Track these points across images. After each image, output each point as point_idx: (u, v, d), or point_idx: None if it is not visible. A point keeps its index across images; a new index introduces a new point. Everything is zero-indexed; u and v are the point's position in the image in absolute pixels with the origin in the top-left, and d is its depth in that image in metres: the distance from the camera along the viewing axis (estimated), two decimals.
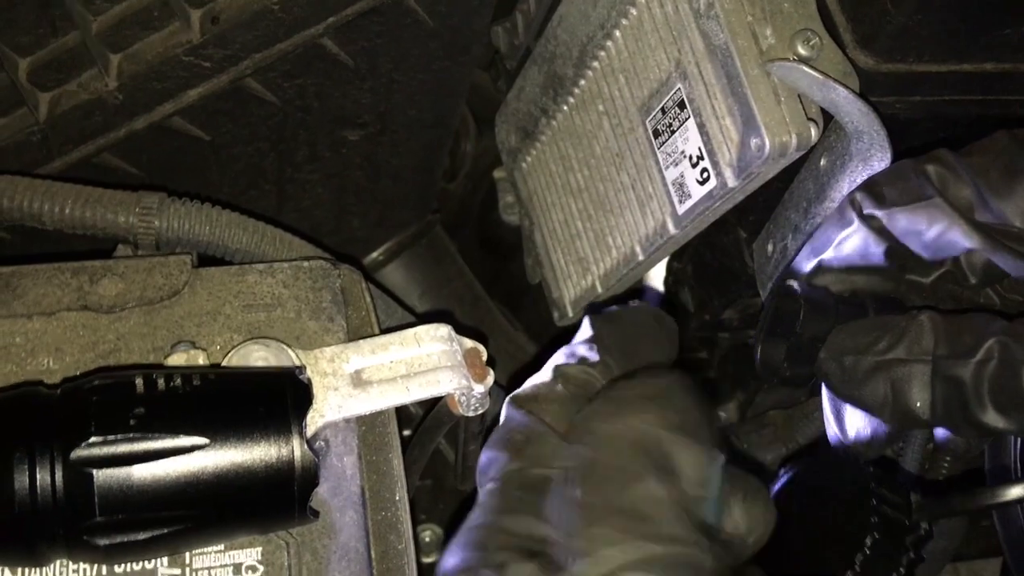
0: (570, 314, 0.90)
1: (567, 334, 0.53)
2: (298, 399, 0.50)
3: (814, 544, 0.53)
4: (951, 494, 0.51)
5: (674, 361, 0.54)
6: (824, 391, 0.58)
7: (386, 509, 0.56)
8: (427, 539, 0.90)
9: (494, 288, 1.17)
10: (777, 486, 0.58)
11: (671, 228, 0.72)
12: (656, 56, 0.70)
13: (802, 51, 0.61)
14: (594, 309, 0.60)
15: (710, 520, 0.45)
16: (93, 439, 0.46)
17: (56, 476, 0.45)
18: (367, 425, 0.57)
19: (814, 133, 0.62)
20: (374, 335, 0.59)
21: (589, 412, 0.47)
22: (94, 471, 0.46)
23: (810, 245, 0.59)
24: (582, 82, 0.80)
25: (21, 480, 0.45)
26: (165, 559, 0.51)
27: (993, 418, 0.47)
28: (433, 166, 1.06)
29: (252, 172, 0.92)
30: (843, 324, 0.54)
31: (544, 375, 0.51)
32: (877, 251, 0.56)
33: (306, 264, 0.61)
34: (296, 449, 0.48)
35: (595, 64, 0.77)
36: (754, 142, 0.62)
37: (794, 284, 0.58)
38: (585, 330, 0.53)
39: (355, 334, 0.60)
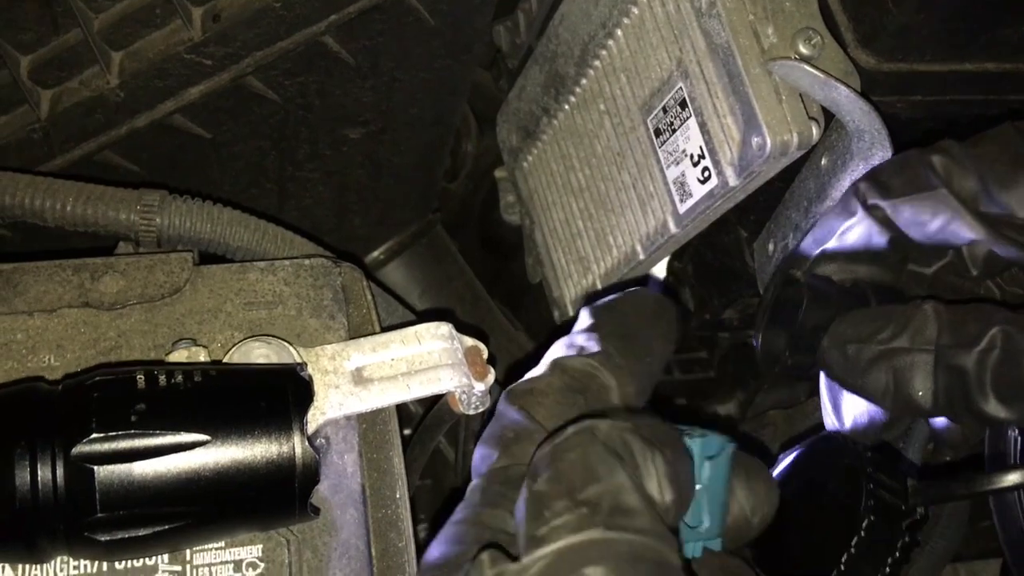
0: (571, 313, 0.90)
1: (566, 329, 0.52)
2: (299, 396, 0.50)
3: (810, 528, 0.53)
4: (948, 479, 0.51)
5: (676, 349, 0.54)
6: (823, 380, 0.58)
7: (387, 507, 0.56)
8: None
9: (495, 287, 1.17)
10: (775, 472, 0.58)
11: (672, 227, 0.72)
12: (658, 55, 0.70)
13: (803, 50, 0.61)
14: (593, 297, 0.60)
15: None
16: (94, 435, 0.46)
17: (57, 472, 0.45)
18: (368, 423, 0.57)
19: (815, 132, 0.62)
20: (375, 333, 0.59)
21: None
22: (95, 467, 0.46)
23: (813, 234, 0.59)
24: (584, 81, 0.80)
25: (22, 476, 0.45)
26: (166, 556, 0.51)
27: (994, 407, 0.47)
28: (434, 165, 1.06)
29: (253, 170, 0.92)
30: (845, 313, 0.54)
31: (542, 368, 0.50)
32: (880, 241, 0.55)
33: (307, 262, 0.61)
34: (297, 446, 0.48)
35: (597, 63, 0.77)
36: (755, 141, 0.62)
37: (796, 273, 0.58)
38: (584, 320, 0.52)
39: (356, 332, 0.60)
